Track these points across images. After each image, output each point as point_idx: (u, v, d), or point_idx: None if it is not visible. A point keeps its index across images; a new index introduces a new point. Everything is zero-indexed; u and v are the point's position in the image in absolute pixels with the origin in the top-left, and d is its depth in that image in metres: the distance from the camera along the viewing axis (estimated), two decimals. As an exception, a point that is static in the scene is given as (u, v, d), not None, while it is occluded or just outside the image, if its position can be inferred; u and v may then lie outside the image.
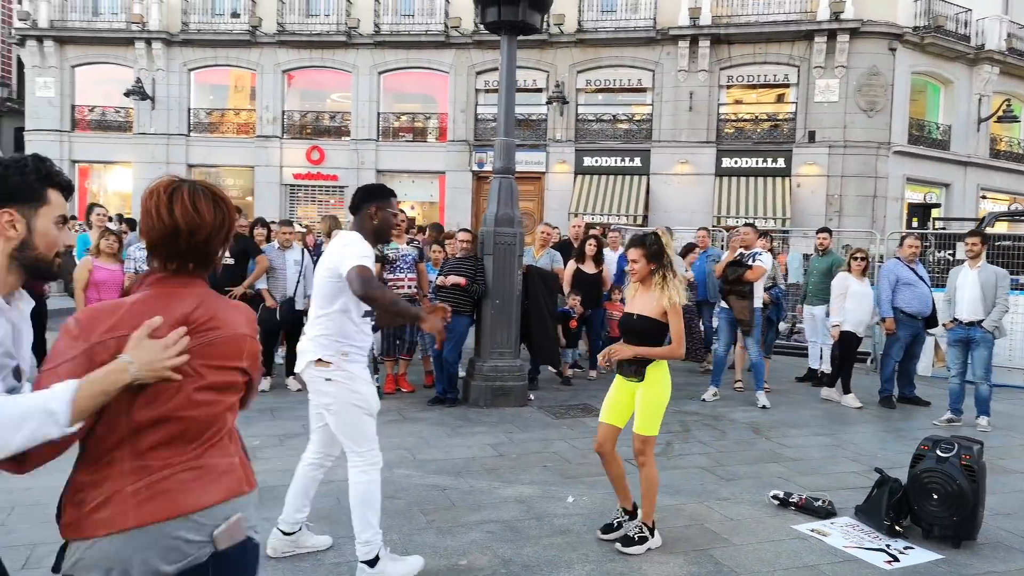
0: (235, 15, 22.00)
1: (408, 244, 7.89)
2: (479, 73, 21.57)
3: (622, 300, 8.77)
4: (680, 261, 7.99)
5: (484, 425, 6.47)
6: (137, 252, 6.94)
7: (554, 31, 20.60)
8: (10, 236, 1.67)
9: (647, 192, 20.75)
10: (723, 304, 7.94)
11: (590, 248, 8.59)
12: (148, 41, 21.75)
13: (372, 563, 3.41)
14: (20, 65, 24.56)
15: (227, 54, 22.13)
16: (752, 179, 20.27)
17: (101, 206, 7.84)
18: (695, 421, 6.93)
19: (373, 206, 3.57)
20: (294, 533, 3.74)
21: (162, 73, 21.99)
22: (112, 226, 7.93)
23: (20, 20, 22.17)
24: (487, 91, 21.59)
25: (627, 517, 4.14)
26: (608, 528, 4.13)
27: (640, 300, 3.98)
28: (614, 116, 21.59)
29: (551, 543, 4.01)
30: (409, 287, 7.39)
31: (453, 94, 21.79)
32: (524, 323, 7.74)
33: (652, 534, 4.00)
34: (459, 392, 7.27)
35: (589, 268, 8.59)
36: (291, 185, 22.46)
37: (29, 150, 19.82)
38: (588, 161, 21.22)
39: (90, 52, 22.29)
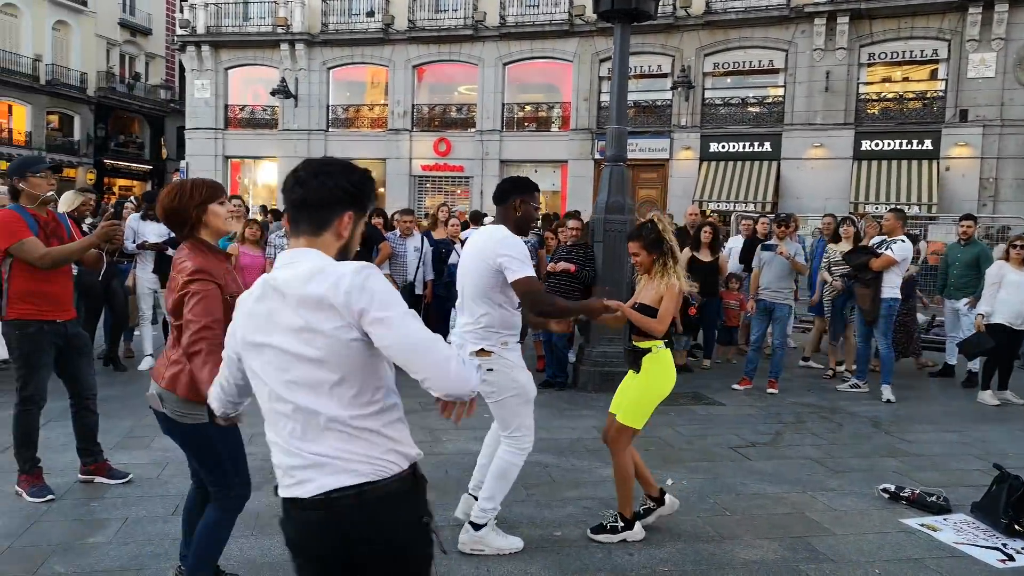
0: (370, 14, 23.08)
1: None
2: (602, 61, 21.50)
3: (739, 289, 8.64)
4: (798, 247, 7.71)
5: (591, 409, 6.60)
6: (277, 239, 7.56)
7: (680, 15, 20.19)
8: (344, 236, 1.86)
9: (777, 178, 19.99)
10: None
11: (705, 235, 8.48)
12: (291, 42, 23.22)
13: (478, 527, 3.64)
14: (182, 69, 26.89)
15: (362, 52, 23.26)
16: (895, 162, 19.08)
17: (238, 197, 8.59)
18: (811, 413, 6.74)
19: (518, 198, 3.65)
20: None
21: (304, 72, 23.43)
22: (258, 217, 8.66)
23: (181, 28, 24.29)
24: (610, 78, 21.46)
25: (653, 504, 4.03)
26: (635, 516, 4.06)
27: (645, 290, 3.85)
28: (743, 99, 20.92)
29: (644, 521, 4.10)
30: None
31: (576, 83, 21.85)
32: (636, 310, 7.79)
33: (631, 526, 3.83)
34: (568, 376, 7.43)
35: (704, 256, 8.48)
36: (419, 176, 23.34)
37: (189, 148, 21.79)
38: (714, 147, 20.69)
39: (241, 55, 24.08)
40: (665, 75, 21.17)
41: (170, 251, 7.45)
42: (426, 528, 1.87)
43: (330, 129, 23.73)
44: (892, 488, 4.58)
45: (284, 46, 23.28)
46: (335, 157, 2.02)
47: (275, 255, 7.46)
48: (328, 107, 23.74)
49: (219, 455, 2.74)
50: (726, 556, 3.72)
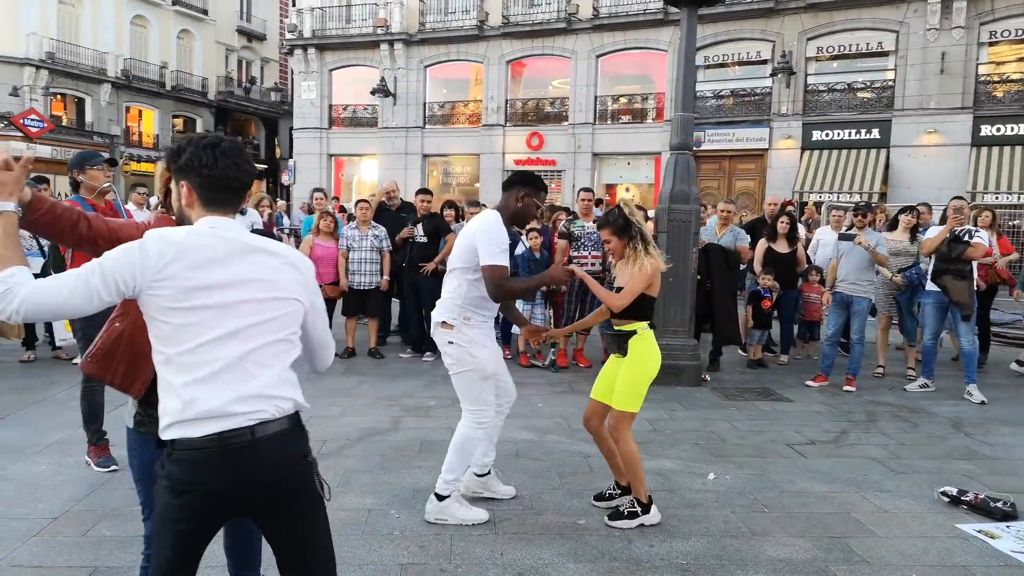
0: (466, 12, 23.43)
1: (594, 222, 8.07)
2: (698, 49, 20.90)
3: (821, 282, 8.26)
4: (880, 237, 7.26)
5: (648, 402, 6.42)
6: (348, 231, 7.86)
7: (780, -1, 19.41)
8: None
9: (886, 166, 18.89)
10: (931, 286, 7.14)
11: (782, 226, 8.16)
12: (391, 42, 23.91)
13: (441, 498, 3.78)
14: (292, 72, 28.20)
15: (458, 49, 23.66)
16: (1020, 148, 17.61)
17: (321, 190, 8.96)
18: (885, 412, 6.37)
19: (523, 191, 3.81)
20: (485, 475, 4.13)
21: (402, 71, 24.08)
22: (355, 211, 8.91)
23: (288, 32, 25.48)
24: (707, 67, 20.93)
25: (619, 491, 4.06)
26: (600, 497, 4.12)
27: (621, 274, 3.85)
28: (848, 85, 19.86)
29: (675, 514, 4.02)
30: (593, 264, 7.59)
31: (672, 73, 21.35)
32: (707, 302, 7.61)
33: (647, 510, 3.84)
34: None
35: (782, 247, 8.17)
36: (512, 171, 23.49)
37: (297, 147, 22.86)
38: (817, 135, 19.77)
39: (344, 56, 25.01)
40: (764, 62, 20.38)
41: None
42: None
43: (426, 126, 24.29)
44: (953, 491, 4.29)
45: (384, 46, 23.99)
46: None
47: (347, 247, 7.77)
48: (425, 104, 24.30)
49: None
50: (752, 553, 3.61)
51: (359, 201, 7.97)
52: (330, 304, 8.03)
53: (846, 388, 7.05)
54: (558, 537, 3.71)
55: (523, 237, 7.92)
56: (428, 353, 7.91)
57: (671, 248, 7.05)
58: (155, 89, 31.73)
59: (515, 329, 7.81)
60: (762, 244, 8.22)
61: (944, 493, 4.31)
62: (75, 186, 4.10)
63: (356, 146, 25.33)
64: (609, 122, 22.53)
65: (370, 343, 8.10)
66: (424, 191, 8.09)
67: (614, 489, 4.10)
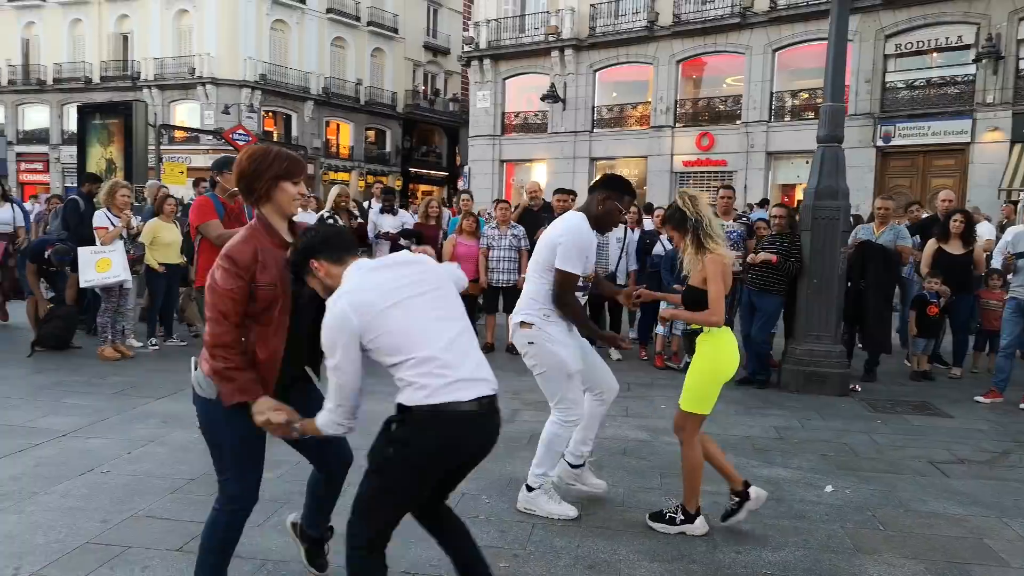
0: (636, 13, 23.27)
1: (736, 220, 7.78)
2: (889, 36, 19.33)
3: (1003, 286, 7.38)
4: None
5: (782, 409, 6.15)
6: (489, 231, 8.15)
7: (986, -25, 17.43)
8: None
9: (1118, 160, 16.35)
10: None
11: (956, 225, 7.36)
12: (561, 49, 24.27)
13: (531, 489, 3.83)
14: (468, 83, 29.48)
15: (627, 51, 23.54)
16: None
17: (467, 192, 9.33)
18: (1068, 434, 5.57)
19: (605, 195, 3.75)
20: (579, 467, 4.10)
21: (572, 76, 24.36)
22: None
23: (466, 45, 26.66)
24: (898, 55, 19.27)
25: (737, 500, 3.68)
26: (726, 515, 3.76)
27: (692, 271, 3.63)
28: (1072, 68, 17.41)
29: (774, 524, 3.81)
30: (735, 264, 7.31)
31: (858, 63, 19.85)
32: (859, 305, 7.08)
33: (692, 520, 3.63)
34: (770, 374, 6.97)
35: (954, 248, 7.37)
36: (681, 172, 23.00)
37: (471, 154, 23.94)
38: (1030, 126, 17.52)
39: (516, 65, 25.75)
40: (967, 47, 18.37)
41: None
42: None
43: (595, 129, 24.38)
44: (1120, 527, 3.70)
45: (555, 53, 24.40)
46: None
47: (487, 245, 8.06)
48: (593, 108, 24.41)
49: (221, 442, 2.58)
50: (849, 570, 3.34)
51: (498, 201, 8.22)
52: (471, 301, 8.37)
53: (1022, 406, 6.25)
54: (641, 535, 3.65)
55: (663, 237, 7.78)
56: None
57: (816, 247, 6.65)
58: (351, 104, 34.47)
59: (659, 328, 7.68)
60: (931, 244, 7.48)
61: (1108, 528, 3.73)
62: (212, 184, 4.66)
63: (526, 151, 25.97)
64: (788, 119, 21.37)
65: (508, 339, 8.31)
66: (561, 191, 8.18)
67: (731, 500, 3.75)
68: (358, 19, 34.40)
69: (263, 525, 3.60)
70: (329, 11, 33.15)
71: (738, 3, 21.20)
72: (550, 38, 24.46)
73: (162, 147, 27.53)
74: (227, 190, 4.69)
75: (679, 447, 3.74)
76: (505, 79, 26.09)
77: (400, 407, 2.35)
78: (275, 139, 31.51)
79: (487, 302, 8.31)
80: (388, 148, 37.19)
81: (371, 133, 36.66)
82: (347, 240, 2.51)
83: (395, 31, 36.13)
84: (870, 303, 7.05)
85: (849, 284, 7.09)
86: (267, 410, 2.43)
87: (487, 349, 8.26)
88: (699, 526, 3.66)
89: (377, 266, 2.45)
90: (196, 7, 30.41)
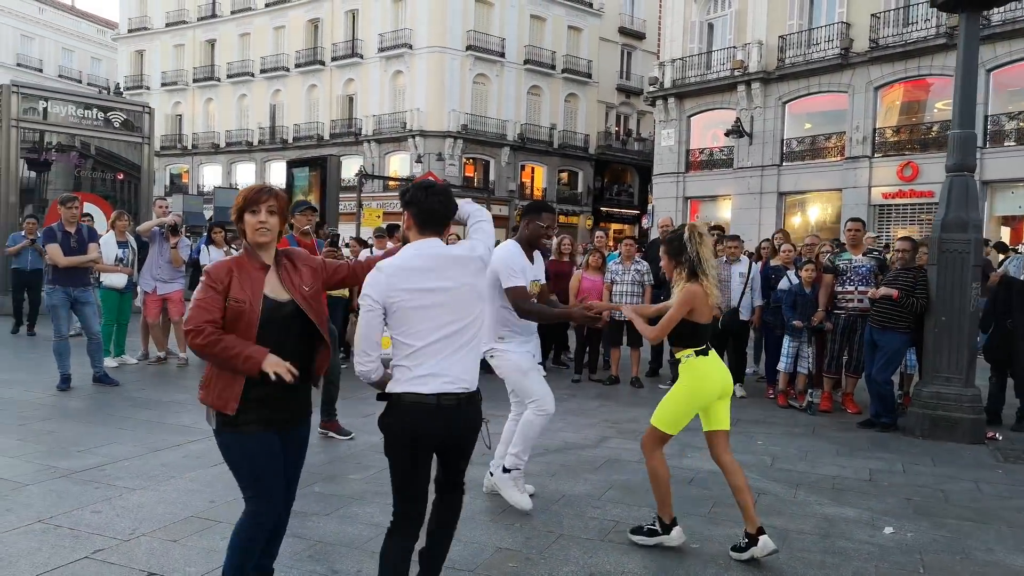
0: (829, 40, 22.26)
1: (866, 254, 7.43)
2: None
3: None
4: None
5: (892, 453, 5.77)
6: (613, 265, 8.44)
7: None
8: None
9: None
10: None
11: None
12: (748, 83, 23.77)
13: (507, 470, 4.30)
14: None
15: (819, 81, 22.52)
16: None
17: (602, 230, 9.66)
18: None
19: (526, 219, 4.31)
20: (508, 472, 4.42)
21: (759, 110, 23.73)
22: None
23: (651, 85, 26.97)
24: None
25: (746, 540, 3.65)
26: (736, 548, 3.73)
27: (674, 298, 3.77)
28: None
29: (802, 556, 3.76)
30: (860, 300, 7.01)
31: None
32: (1008, 345, 6.47)
33: (668, 531, 3.77)
34: (896, 417, 6.54)
35: None
36: (880, 205, 21.41)
37: (656, 192, 24.09)
38: None
39: (701, 101, 25.57)
40: None
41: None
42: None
43: (783, 163, 23.48)
44: None
45: (741, 87, 23.95)
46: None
47: (611, 279, 8.37)
48: (783, 141, 23.55)
49: (239, 466, 2.87)
50: (854, 606, 3.27)
51: (625, 238, 8.49)
52: (596, 334, 8.68)
53: None
54: (659, 556, 3.78)
55: (790, 272, 7.62)
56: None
57: (943, 283, 6.22)
58: (544, 148, 36.06)
59: (780, 365, 7.52)
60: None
61: None
62: (290, 226, 5.50)
63: (710, 187, 25.56)
64: (1011, 143, 19.18)
65: (632, 371, 8.50)
66: (669, 228, 8.28)
67: (742, 538, 3.73)
68: (553, 67, 36.06)
69: (331, 515, 4.23)
70: (527, 62, 35.12)
71: (944, 24, 19.57)
72: (736, 72, 24.09)
73: (373, 194, 30.74)
74: (300, 229, 5.56)
75: (750, 481, 3.93)
76: (690, 116, 25.99)
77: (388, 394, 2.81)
78: (475, 184, 33.78)
79: (612, 336, 8.57)
80: (580, 188, 38.23)
81: (564, 175, 37.93)
82: (441, 219, 2.84)
83: (588, 76, 37.33)
84: (1020, 344, 6.41)
85: (995, 324, 6.52)
86: (276, 364, 2.62)
87: (612, 382, 8.50)
88: (675, 536, 3.78)
89: (430, 254, 2.77)
90: (409, 68, 33.69)
